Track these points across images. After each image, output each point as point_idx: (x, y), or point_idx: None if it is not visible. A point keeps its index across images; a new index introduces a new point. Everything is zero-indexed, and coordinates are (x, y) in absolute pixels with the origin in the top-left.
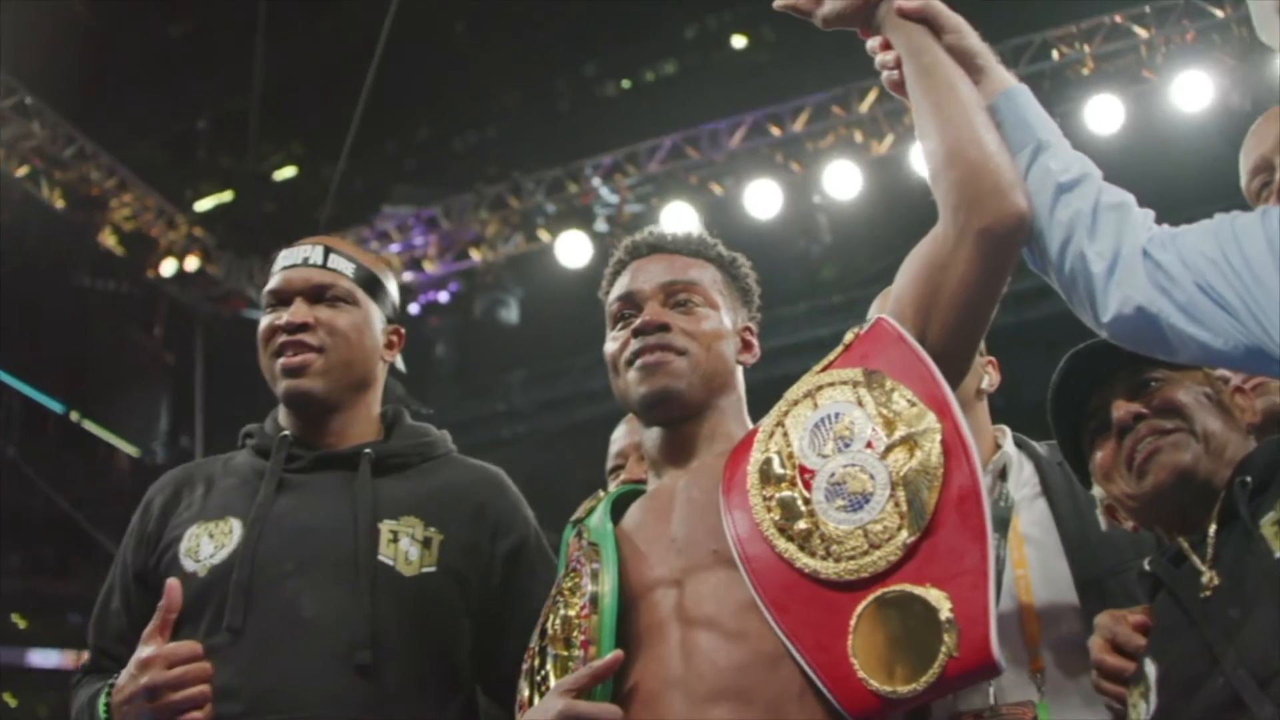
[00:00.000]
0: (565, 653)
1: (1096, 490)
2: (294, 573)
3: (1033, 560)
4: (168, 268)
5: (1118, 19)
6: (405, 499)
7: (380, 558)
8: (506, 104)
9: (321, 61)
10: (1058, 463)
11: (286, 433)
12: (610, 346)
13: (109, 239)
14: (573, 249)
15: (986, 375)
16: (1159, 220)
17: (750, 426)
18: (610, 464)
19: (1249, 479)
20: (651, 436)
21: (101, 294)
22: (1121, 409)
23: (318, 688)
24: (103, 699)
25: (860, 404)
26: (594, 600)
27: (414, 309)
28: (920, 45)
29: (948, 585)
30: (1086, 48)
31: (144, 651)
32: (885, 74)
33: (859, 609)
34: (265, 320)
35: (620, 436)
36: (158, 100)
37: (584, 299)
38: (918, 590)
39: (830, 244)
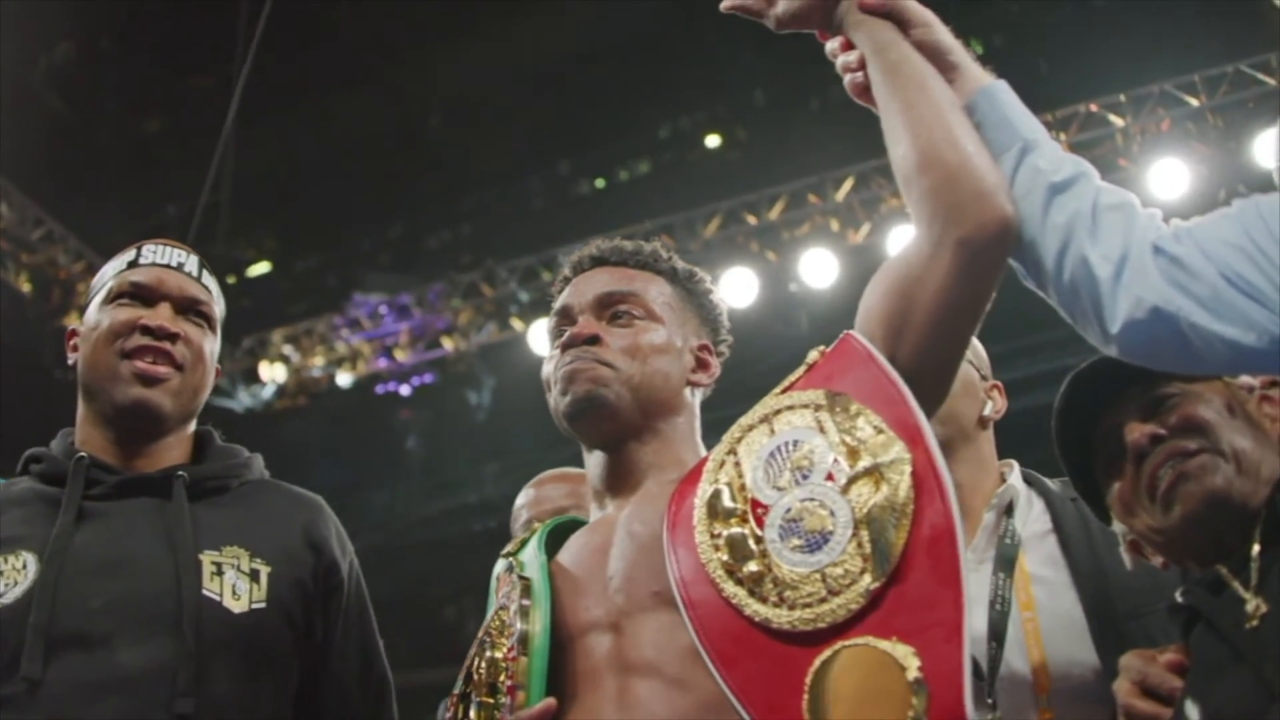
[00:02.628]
0: (490, 700)
1: (1117, 525)
2: (102, 612)
3: (1042, 602)
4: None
5: (1093, 107)
6: (225, 527)
7: (205, 592)
8: (480, 202)
9: (295, 157)
10: (1071, 499)
11: (83, 454)
12: (545, 368)
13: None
14: (546, 338)
15: (991, 401)
16: None
17: (704, 453)
18: (520, 534)
19: None
20: (592, 462)
21: (66, 378)
22: (1136, 431)
23: None
24: None
25: (821, 430)
26: (523, 640)
27: (379, 390)
28: (885, 42)
29: (916, 639)
30: (1062, 136)
31: None
32: (848, 78)
33: (815, 664)
34: (117, 312)
35: (528, 503)
36: (129, 192)
37: None
38: (882, 644)
39: (807, 332)
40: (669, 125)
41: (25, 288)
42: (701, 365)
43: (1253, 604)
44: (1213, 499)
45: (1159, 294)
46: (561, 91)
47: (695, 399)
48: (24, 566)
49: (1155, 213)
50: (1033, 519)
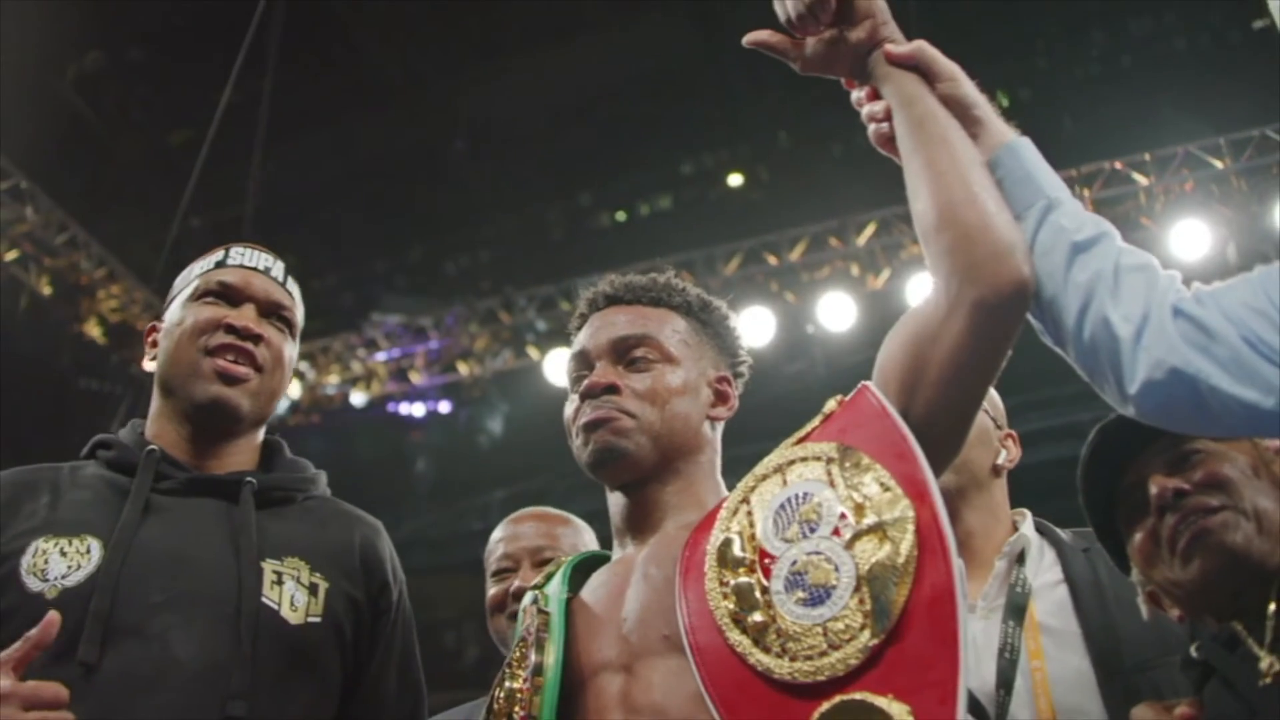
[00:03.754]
0: None
1: (1136, 576)
2: (162, 607)
3: (1051, 652)
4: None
5: (1117, 165)
6: (288, 538)
7: (264, 600)
8: (500, 230)
9: (317, 176)
10: (1082, 550)
11: (155, 447)
12: (566, 411)
13: (94, 329)
14: (562, 367)
15: (1004, 450)
16: None
17: (724, 492)
18: (493, 567)
19: None
20: (614, 502)
21: (81, 384)
22: (1159, 485)
23: None
24: None
25: (831, 484)
26: (538, 673)
27: (391, 411)
28: (911, 95)
29: (912, 698)
30: (1086, 192)
31: None
32: (873, 127)
33: (814, 716)
34: (202, 310)
35: (504, 538)
36: (153, 200)
37: None
38: (878, 701)
39: (822, 375)
40: (692, 162)
41: (46, 291)
42: (720, 398)
43: (1267, 662)
44: (1231, 556)
45: (1179, 356)
46: (585, 123)
47: (716, 432)
48: (88, 551)
49: (1175, 275)
50: (1044, 568)
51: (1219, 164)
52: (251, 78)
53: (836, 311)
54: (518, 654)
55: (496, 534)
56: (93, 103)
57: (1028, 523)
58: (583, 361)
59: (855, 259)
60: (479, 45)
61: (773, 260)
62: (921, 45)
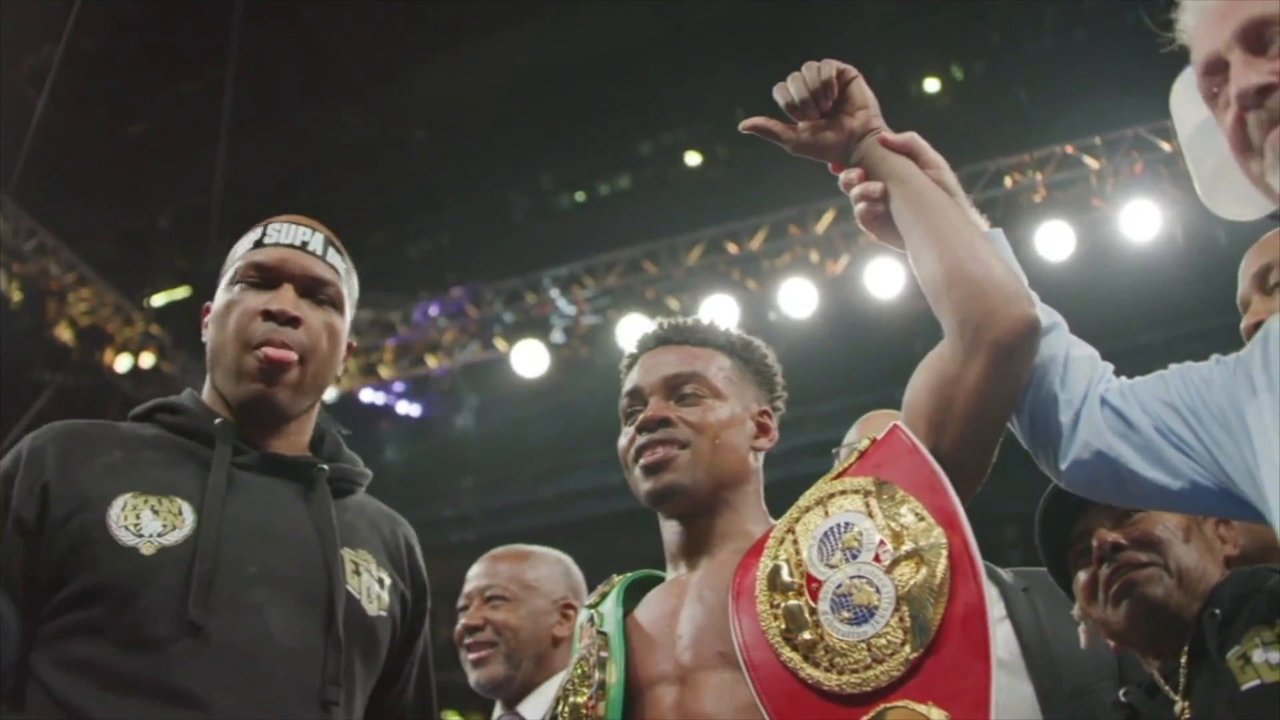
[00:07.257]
0: None
1: (1076, 610)
2: (256, 580)
3: (1001, 681)
4: (122, 364)
5: (1069, 149)
6: (355, 530)
7: (347, 588)
8: (461, 214)
9: (279, 164)
10: (1022, 589)
11: (226, 420)
12: (621, 442)
13: (65, 332)
14: (529, 358)
15: None
16: (1108, 344)
17: (769, 519)
18: (460, 602)
19: (1217, 611)
20: (669, 530)
21: (54, 387)
22: (1100, 538)
23: (287, 716)
24: None
25: (870, 514)
26: (601, 689)
27: (360, 402)
28: (908, 173)
29: (950, 704)
30: (1039, 176)
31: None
32: (865, 206)
33: None
34: (241, 296)
35: (467, 577)
36: (117, 196)
37: (536, 408)
38: (919, 707)
39: (783, 361)
40: (650, 141)
41: (16, 297)
42: (762, 430)
43: (1180, 706)
44: (1151, 606)
45: (1103, 441)
46: (542, 105)
47: (759, 462)
48: (180, 513)
49: (1109, 367)
50: (989, 604)
51: (1167, 146)
52: (208, 68)
53: (797, 298)
54: (579, 671)
55: (472, 570)
56: (55, 102)
57: None
58: (636, 398)
59: (815, 246)
60: (435, 29)
61: (733, 249)
62: (914, 136)
